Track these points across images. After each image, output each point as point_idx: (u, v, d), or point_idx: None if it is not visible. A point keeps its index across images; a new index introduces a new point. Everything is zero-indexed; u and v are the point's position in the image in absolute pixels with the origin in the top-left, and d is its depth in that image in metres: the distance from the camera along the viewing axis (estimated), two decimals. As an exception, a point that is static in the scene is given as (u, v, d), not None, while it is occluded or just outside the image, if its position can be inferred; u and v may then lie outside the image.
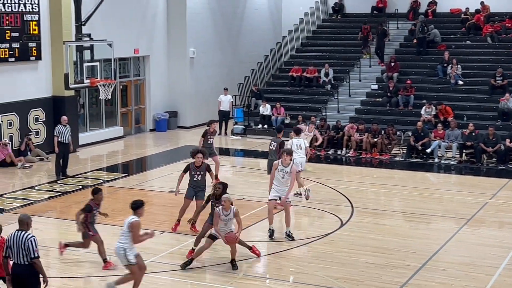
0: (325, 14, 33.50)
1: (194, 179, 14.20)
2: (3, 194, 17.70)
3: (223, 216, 12.10)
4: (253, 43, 31.93)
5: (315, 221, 15.79)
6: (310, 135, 21.46)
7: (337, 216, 15.67)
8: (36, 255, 9.21)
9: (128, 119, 26.85)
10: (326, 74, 27.88)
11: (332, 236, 14.26)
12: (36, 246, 9.22)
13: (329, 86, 27.73)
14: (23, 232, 9.30)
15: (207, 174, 14.41)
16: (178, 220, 14.45)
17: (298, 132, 17.56)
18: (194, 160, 14.37)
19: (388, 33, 29.17)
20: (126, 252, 10.58)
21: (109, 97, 20.60)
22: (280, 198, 13.96)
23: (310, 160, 22.02)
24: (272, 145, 16.75)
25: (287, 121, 25.94)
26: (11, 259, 9.34)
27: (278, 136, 17.03)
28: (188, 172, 14.35)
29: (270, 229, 13.98)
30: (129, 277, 10.86)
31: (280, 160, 13.96)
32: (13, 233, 9.34)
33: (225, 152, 24.59)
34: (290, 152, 14.19)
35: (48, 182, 19.02)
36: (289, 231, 13.89)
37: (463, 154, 21.96)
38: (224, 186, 12.74)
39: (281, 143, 16.50)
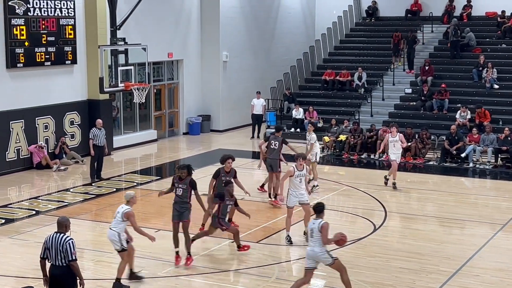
0: (359, 18, 33.36)
1: (223, 184, 14.11)
2: (39, 196, 17.95)
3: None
4: (286, 47, 31.93)
5: (347, 226, 15.71)
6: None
7: (370, 221, 15.59)
8: (74, 257, 9.32)
9: (162, 123, 27.04)
10: (359, 78, 27.76)
11: (365, 240, 14.19)
12: (74, 249, 9.33)
13: (362, 89, 27.60)
14: (62, 235, 9.40)
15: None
16: (203, 225, 14.30)
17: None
18: (223, 165, 14.37)
19: (418, 39, 28.68)
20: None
21: (143, 100, 20.74)
22: (299, 203, 14.01)
23: (343, 164, 21.94)
24: (274, 144, 17.04)
25: (320, 125, 25.89)
26: (49, 261, 9.45)
27: (277, 134, 17.37)
28: (218, 177, 14.33)
29: (287, 235, 13.94)
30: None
31: (295, 165, 13.93)
32: (51, 235, 9.44)
33: (257, 155, 24.58)
34: (304, 157, 14.49)
35: (83, 185, 19.24)
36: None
37: (499, 159, 21.68)
38: (188, 168, 12.85)
39: (283, 140, 17.18)
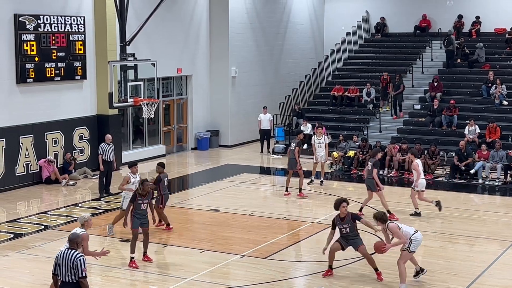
0: (367, 34, 33.43)
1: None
2: (48, 211, 17.99)
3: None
4: (294, 62, 32.01)
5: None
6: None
7: (379, 237, 15.51)
8: (84, 274, 9.30)
9: (170, 138, 27.10)
10: (368, 94, 27.77)
11: (374, 257, 14.10)
12: (84, 266, 9.32)
13: (371, 105, 27.60)
14: (73, 251, 9.38)
15: None
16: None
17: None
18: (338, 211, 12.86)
19: (404, 85, 27.16)
20: None
21: (152, 115, 20.81)
22: None
23: (352, 180, 21.91)
24: (292, 145, 19.59)
25: (328, 141, 25.85)
26: (59, 277, 9.42)
27: (297, 137, 19.78)
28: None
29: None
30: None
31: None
32: (63, 251, 9.42)
33: (265, 171, 24.61)
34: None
35: (92, 200, 19.27)
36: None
37: (508, 175, 21.58)
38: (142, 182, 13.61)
39: (297, 143, 19.32)
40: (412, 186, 17.65)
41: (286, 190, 19.74)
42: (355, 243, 12.69)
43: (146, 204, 13.67)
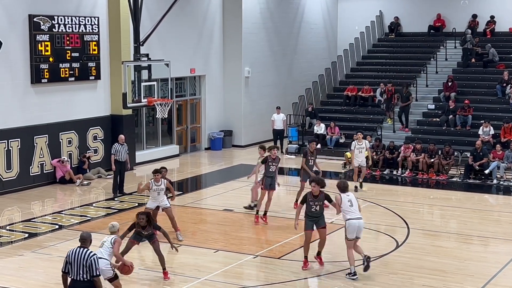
0: (381, 34, 33.33)
1: (312, 209, 13.02)
2: (62, 211, 18.07)
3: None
4: (308, 63, 31.97)
5: (370, 242, 15.59)
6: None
7: (393, 237, 15.48)
8: (97, 273, 9.36)
9: (184, 138, 27.14)
10: (382, 94, 27.69)
11: (388, 257, 14.08)
12: (98, 265, 9.38)
13: (385, 105, 27.52)
14: (86, 250, 9.44)
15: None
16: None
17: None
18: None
19: (412, 97, 26.45)
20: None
21: (166, 116, 20.86)
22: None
23: (366, 180, 21.85)
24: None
25: (341, 141, 25.85)
26: (70, 275, 9.47)
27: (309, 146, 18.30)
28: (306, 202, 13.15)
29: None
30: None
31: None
32: (74, 250, 9.47)
33: (279, 171, 24.54)
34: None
35: (106, 199, 19.34)
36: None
37: (523, 176, 21.46)
38: (148, 216, 12.48)
39: (304, 153, 18.20)
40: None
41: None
42: (320, 222, 13.07)
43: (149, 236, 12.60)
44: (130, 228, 12.56)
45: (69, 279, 9.55)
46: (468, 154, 22.28)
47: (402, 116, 26.24)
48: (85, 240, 9.56)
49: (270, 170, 16.69)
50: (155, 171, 14.93)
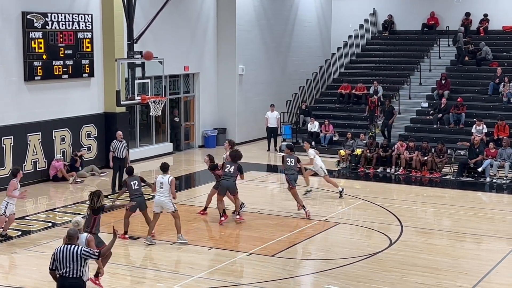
0: (375, 32, 33.37)
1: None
2: (55, 209, 18.04)
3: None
4: (302, 60, 31.98)
5: (363, 240, 15.63)
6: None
7: (386, 235, 15.51)
8: (96, 253, 9.55)
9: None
10: (376, 91, 27.72)
11: (381, 255, 14.10)
12: (91, 250, 9.58)
13: (378, 103, 27.53)
14: (73, 246, 9.45)
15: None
16: None
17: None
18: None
19: (395, 111, 25.39)
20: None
21: (160, 113, 20.83)
22: None
23: (359, 178, 21.86)
24: (290, 161, 17.36)
25: (335, 138, 25.86)
26: (58, 272, 9.47)
27: (291, 153, 17.60)
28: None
29: None
30: (178, 222, 14.41)
31: None
32: (61, 247, 9.46)
33: (272, 169, 24.61)
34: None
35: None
36: None
37: (516, 173, 21.52)
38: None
39: (297, 159, 17.52)
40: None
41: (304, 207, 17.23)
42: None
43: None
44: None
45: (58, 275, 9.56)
46: (461, 152, 22.33)
47: (385, 130, 25.32)
48: (72, 237, 9.56)
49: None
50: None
